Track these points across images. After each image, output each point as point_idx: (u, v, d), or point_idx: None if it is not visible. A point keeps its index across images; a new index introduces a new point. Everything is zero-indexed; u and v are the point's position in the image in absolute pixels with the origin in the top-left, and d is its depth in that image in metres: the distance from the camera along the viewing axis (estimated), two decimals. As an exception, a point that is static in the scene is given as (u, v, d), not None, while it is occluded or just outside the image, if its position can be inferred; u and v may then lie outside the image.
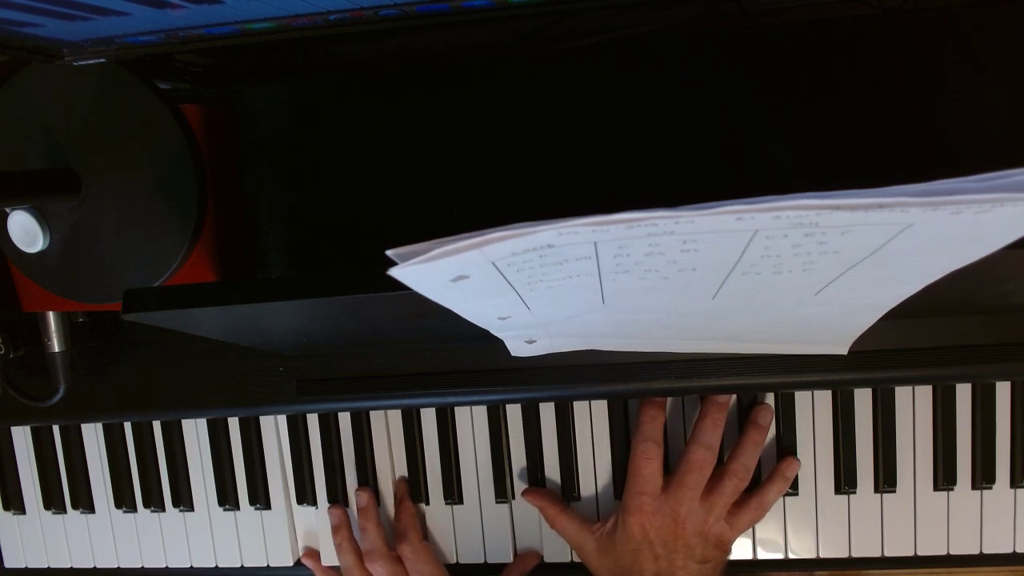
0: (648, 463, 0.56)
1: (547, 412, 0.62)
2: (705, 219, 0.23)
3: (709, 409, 0.57)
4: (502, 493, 0.63)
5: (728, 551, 0.57)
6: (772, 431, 0.59)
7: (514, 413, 0.62)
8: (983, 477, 0.58)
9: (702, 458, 0.56)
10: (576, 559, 0.62)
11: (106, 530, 0.70)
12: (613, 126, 0.49)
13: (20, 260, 0.50)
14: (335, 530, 0.64)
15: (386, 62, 0.67)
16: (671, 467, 0.59)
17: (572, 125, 0.49)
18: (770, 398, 0.59)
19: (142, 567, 0.70)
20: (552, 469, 0.62)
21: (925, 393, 0.58)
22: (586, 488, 0.62)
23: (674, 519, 0.55)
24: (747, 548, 0.61)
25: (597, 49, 0.50)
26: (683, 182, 0.49)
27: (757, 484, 0.59)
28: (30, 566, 0.72)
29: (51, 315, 0.57)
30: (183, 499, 0.67)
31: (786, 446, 0.59)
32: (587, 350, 0.51)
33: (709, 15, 0.57)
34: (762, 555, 0.61)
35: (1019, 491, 0.58)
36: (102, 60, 0.40)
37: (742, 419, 0.59)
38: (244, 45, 0.38)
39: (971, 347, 0.51)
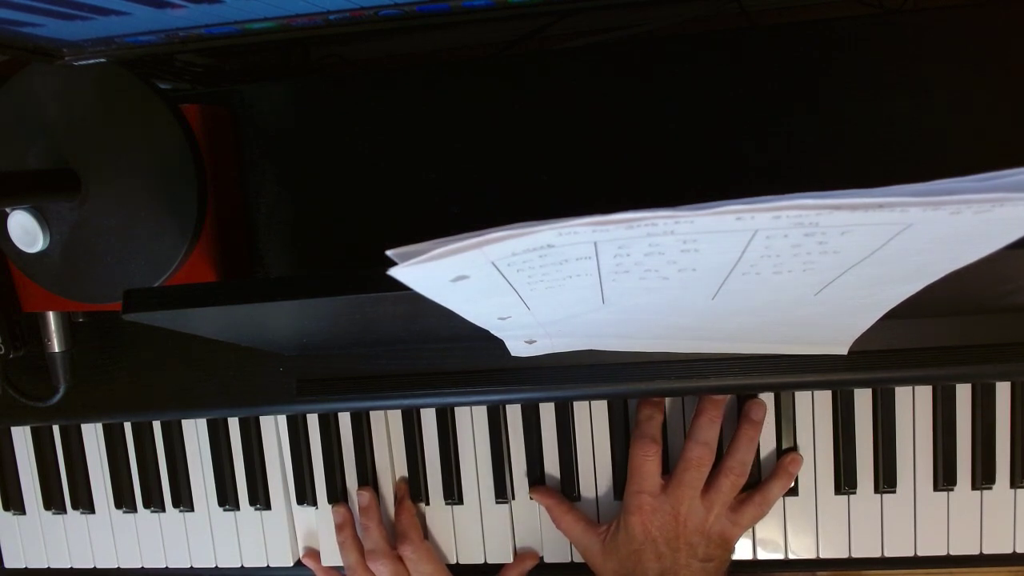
0: (646, 460, 0.56)
1: (547, 412, 0.62)
2: (705, 219, 0.23)
3: (705, 406, 0.57)
4: (502, 493, 0.63)
5: (731, 549, 0.57)
6: (773, 432, 0.59)
7: (514, 413, 0.62)
8: (983, 477, 0.58)
9: (699, 455, 0.56)
10: (577, 559, 0.62)
11: (106, 530, 0.70)
12: (612, 126, 0.49)
13: (20, 260, 0.50)
14: (339, 528, 0.64)
15: (386, 62, 0.67)
16: (672, 466, 0.59)
17: (571, 125, 0.49)
18: (770, 398, 0.59)
19: (142, 567, 0.70)
20: (552, 469, 0.62)
21: (925, 393, 0.58)
22: (586, 488, 0.62)
23: (675, 517, 0.55)
24: (747, 549, 0.61)
25: (597, 49, 0.50)
26: (683, 182, 0.49)
27: (758, 482, 0.59)
28: (30, 566, 0.72)
29: (51, 315, 0.57)
30: (183, 499, 0.67)
31: (786, 447, 0.59)
32: (587, 350, 0.51)
33: (709, 15, 0.57)
34: (762, 555, 0.61)
35: (1019, 491, 0.58)
36: (102, 60, 0.40)
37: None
38: (244, 45, 0.38)
39: (971, 347, 0.51)
